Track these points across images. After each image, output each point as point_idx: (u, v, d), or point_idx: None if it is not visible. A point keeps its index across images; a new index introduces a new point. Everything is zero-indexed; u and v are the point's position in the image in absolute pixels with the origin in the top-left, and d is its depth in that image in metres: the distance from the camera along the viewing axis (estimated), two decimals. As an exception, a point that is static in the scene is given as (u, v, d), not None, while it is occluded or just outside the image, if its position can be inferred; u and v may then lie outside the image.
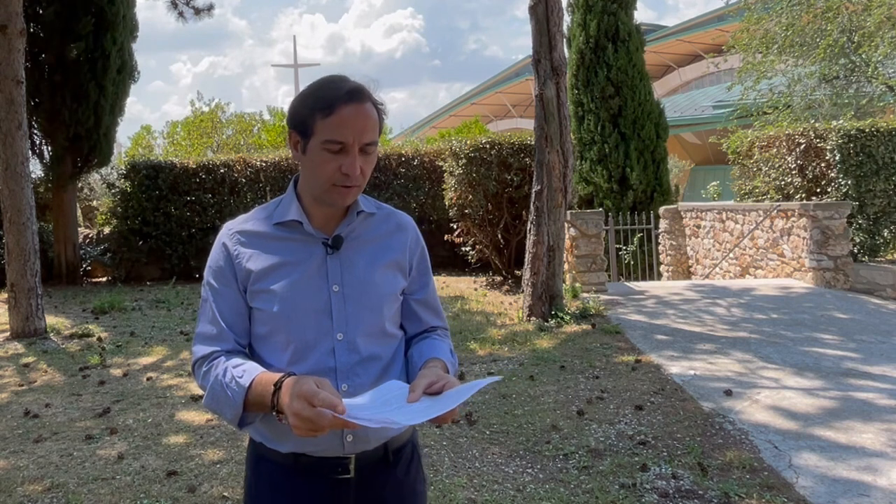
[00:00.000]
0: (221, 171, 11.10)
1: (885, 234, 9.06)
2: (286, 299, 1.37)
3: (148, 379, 5.33)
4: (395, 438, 1.45)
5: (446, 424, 4.09)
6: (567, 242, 7.89)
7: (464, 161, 8.92)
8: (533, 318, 6.85)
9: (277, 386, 1.23)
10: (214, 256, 1.45)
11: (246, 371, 1.30)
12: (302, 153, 1.37)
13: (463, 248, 9.81)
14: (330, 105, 1.31)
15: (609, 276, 9.62)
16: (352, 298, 1.40)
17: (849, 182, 8.89)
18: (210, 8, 11.69)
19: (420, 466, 1.54)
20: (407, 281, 1.50)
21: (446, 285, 9.36)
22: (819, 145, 9.29)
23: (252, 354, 1.43)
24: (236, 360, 1.35)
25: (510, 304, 7.89)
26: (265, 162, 11.31)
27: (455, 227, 9.59)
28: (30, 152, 7.47)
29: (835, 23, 13.03)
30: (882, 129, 8.90)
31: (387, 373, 1.42)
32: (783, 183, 9.87)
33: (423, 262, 1.55)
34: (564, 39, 7.40)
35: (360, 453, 1.40)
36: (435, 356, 1.43)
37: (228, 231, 1.45)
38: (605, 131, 12.28)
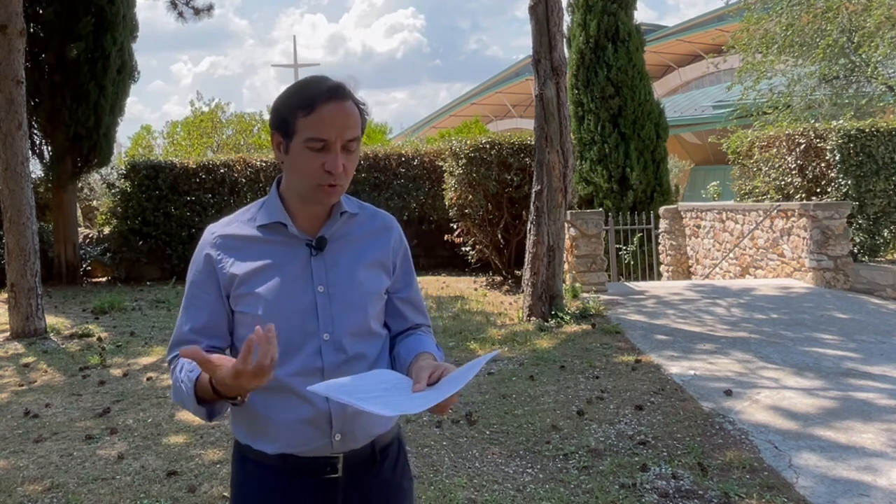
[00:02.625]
0: (221, 171, 11.10)
1: (885, 234, 9.06)
2: (271, 301, 1.37)
3: (148, 379, 5.33)
4: (381, 437, 1.46)
5: (446, 424, 4.09)
6: (567, 242, 7.89)
7: (464, 161, 8.92)
8: (533, 318, 6.85)
9: (216, 390, 1.23)
10: (197, 260, 1.45)
11: (194, 369, 1.30)
12: (285, 153, 1.38)
13: (463, 248, 9.80)
14: (311, 103, 1.32)
15: (609, 276, 9.62)
16: (337, 298, 1.40)
17: (849, 182, 8.89)
18: (210, 8, 11.69)
19: (406, 463, 1.55)
20: (391, 280, 1.51)
21: (446, 285, 9.36)
22: (819, 145, 9.29)
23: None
24: None
25: (510, 304, 7.89)
26: (265, 162, 11.31)
27: (455, 227, 9.59)
28: (30, 152, 7.46)
29: (835, 23, 13.03)
30: (882, 129, 8.91)
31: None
32: (783, 183, 9.87)
33: (407, 261, 1.56)
34: (564, 39, 7.40)
35: (347, 452, 1.41)
36: (424, 350, 1.44)
37: (211, 235, 1.46)
38: (605, 131, 12.28)
